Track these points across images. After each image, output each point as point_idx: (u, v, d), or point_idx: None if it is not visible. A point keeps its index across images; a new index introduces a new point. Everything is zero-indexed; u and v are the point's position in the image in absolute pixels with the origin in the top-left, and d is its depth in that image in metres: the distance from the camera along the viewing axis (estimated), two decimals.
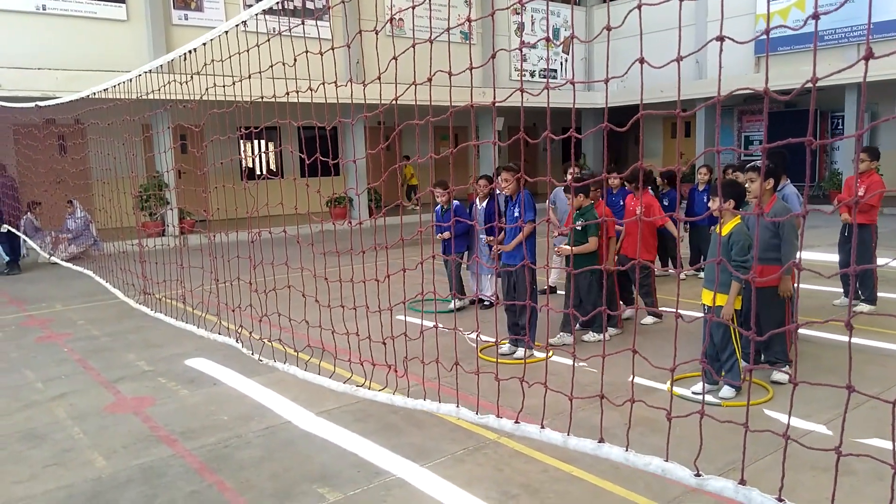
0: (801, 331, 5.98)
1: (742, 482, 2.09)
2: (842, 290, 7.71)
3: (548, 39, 2.65)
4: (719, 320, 4.60)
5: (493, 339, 6.27)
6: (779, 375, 5.25)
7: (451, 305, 7.74)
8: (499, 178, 5.99)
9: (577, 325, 6.62)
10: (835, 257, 7.98)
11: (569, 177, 7.55)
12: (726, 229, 4.89)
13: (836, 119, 19.32)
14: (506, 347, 6.28)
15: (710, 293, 4.99)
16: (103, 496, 3.82)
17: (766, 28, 1.92)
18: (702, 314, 5.33)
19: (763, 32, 1.98)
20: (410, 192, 20.43)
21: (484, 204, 7.74)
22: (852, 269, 1.71)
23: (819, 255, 10.04)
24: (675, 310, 2.35)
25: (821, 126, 19.73)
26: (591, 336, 6.65)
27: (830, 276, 1.98)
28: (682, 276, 9.08)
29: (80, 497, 3.82)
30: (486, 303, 8.03)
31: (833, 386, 2.02)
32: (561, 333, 6.54)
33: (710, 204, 5.09)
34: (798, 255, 1.90)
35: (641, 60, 2.21)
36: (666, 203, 8.78)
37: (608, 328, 6.66)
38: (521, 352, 6.11)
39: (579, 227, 6.15)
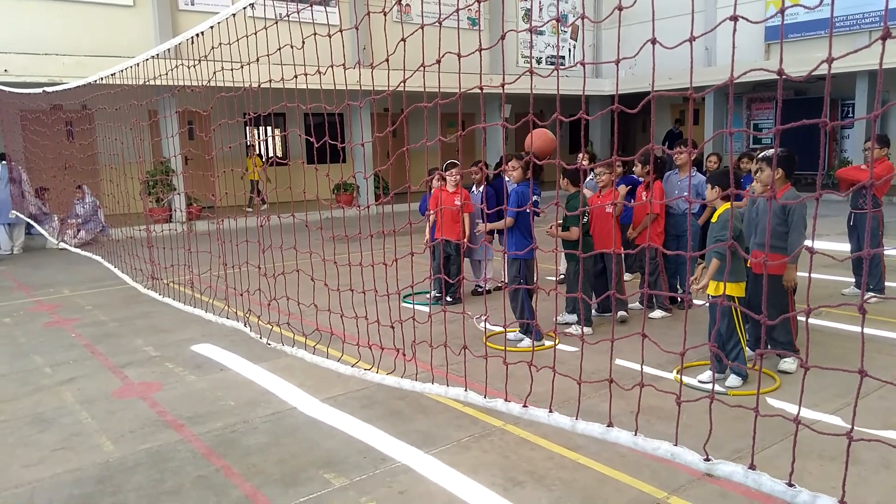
0: (809, 320, 5.96)
1: (752, 467, 2.07)
2: (852, 279, 7.67)
3: (558, 20, 2.62)
4: (726, 304, 4.59)
5: (500, 327, 6.26)
6: (786, 365, 5.22)
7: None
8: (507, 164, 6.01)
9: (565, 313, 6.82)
10: (844, 246, 7.94)
11: (579, 164, 7.53)
12: (715, 216, 4.94)
13: (847, 107, 19.17)
14: (512, 335, 6.25)
15: (711, 282, 4.96)
16: (111, 480, 3.84)
17: (781, 8, 1.89)
18: (704, 302, 5.33)
19: (778, 12, 1.95)
20: (253, 189, 16.90)
21: (481, 189, 7.75)
22: (866, 253, 1.69)
23: (828, 243, 9.98)
24: (679, 295, 2.33)
25: (831, 114, 19.57)
26: (575, 328, 6.46)
27: (843, 260, 1.95)
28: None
29: (88, 481, 3.84)
30: (480, 290, 8.03)
31: (845, 370, 2.00)
32: (563, 312, 6.63)
33: (705, 192, 5.10)
34: (811, 243, 1.88)
35: (653, 41, 2.18)
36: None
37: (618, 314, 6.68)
38: (528, 340, 6.09)
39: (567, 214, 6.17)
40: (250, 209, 15.85)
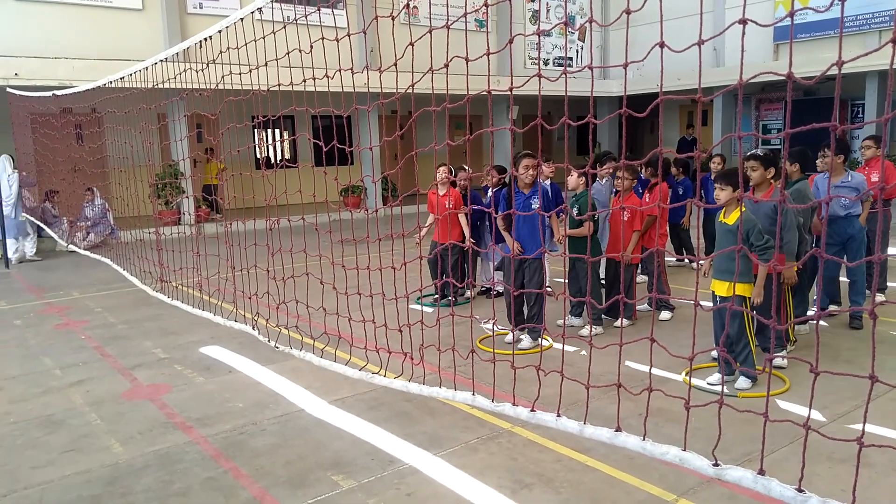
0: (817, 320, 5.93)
1: (761, 472, 2.06)
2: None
3: (565, 23, 2.62)
4: (737, 309, 4.55)
5: (504, 330, 6.25)
6: (778, 360, 5.24)
7: (467, 295, 7.76)
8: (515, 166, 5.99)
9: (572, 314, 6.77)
10: None
11: (605, 170, 7.57)
12: (733, 218, 4.82)
13: (857, 107, 19.07)
14: (509, 337, 6.21)
15: (721, 283, 4.91)
16: (120, 482, 3.85)
17: (790, 10, 1.88)
18: (711, 304, 5.27)
19: (787, 16, 1.94)
20: (210, 194, 15.39)
21: (493, 192, 7.74)
22: (877, 258, 1.68)
23: None
24: (691, 300, 2.33)
25: (840, 114, 19.47)
26: (585, 330, 6.45)
27: (853, 266, 1.94)
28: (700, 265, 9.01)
29: (97, 482, 3.86)
30: (487, 287, 8.03)
31: (855, 376, 1.98)
32: (569, 316, 6.58)
33: (716, 192, 4.95)
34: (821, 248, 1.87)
35: (661, 45, 2.18)
36: (681, 192, 8.70)
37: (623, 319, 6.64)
38: (527, 340, 6.07)
39: (574, 214, 6.16)
40: (219, 214, 15.06)
